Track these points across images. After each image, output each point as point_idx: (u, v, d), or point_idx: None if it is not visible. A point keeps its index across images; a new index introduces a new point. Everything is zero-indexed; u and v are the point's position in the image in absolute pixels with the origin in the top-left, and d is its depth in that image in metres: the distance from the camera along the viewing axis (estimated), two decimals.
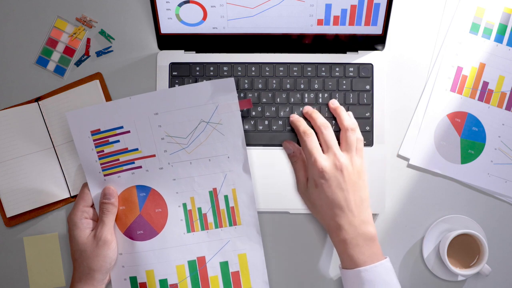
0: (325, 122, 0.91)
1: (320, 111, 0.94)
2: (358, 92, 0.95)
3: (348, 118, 0.91)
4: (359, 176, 0.87)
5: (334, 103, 0.93)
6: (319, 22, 0.92)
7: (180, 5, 0.91)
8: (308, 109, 0.93)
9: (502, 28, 0.96)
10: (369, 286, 0.83)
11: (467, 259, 0.91)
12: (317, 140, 0.89)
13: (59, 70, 0.97)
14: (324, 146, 0.89)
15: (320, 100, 0.95)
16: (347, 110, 0.94)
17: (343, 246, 0.86)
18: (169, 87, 0.95)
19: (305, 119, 0.93)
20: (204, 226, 0.91)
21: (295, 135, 0.94)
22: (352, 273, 0.85)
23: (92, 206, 0.90)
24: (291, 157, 0.92)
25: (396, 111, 0.96)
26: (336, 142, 0.89)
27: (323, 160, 0.87)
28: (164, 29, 0.94)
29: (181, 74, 0.95)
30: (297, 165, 0.91)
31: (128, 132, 0.90)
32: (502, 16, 0.96)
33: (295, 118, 0.93)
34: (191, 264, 0.90)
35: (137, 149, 0.90)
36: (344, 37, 0.94)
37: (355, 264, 0.85)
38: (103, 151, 0.90)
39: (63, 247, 0.95)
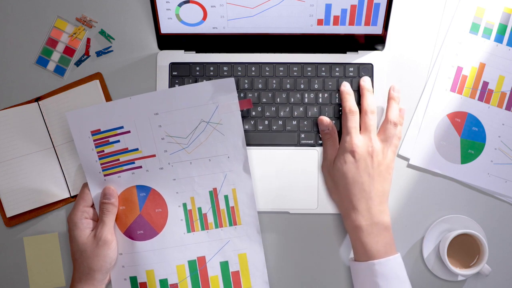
0: (374, 108, 0.90)
1: (320, 111, 0.94)
2: (358, 92, 0.95)
3: (396, 113, 0.91)
4: (387, 169, 0.88)
5: (394, 89, 0.92)
6: (319, 22, 0.92)
7: (180, 5, 0.91)
8: (367, 84, 0.92)
9: (502, 28, 0.96)
10: (382, 279, 0.83)
11: (467, 259, 0.91)
12: (358, 121, 0.89)
13: (59, 70, 0.97)
14: (363, 128, 0.89)
15: (320, 100, 0.95)
16: None
17: (357, 233, 0.86)
18: (169, 87, 0.95)
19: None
20: (204, 226, 0.91)
21: (294, 135, 0.94)
22: (364, 266, 0.85)
23: (92, 206, 0.90)
24: (324, 134, 0.92)
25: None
26: (376, 129, 0.89)
27: (358, 140, 0.87)
28: (164, 29, 0.94)
29: (181, 74, 0.95)
30: (329, 142, 0.91)
31: (128, 132, 0.90)
32: (502, 16, 0.96)
33: (347, 89, 0.92)
34: (191, 264, 0.90)
35: (137, 149, 0.90)
36: (344, 37, 0.94)
37: (367, 253, 0.85)
38: (103, 151, 0.90)
39: (63, 247, 0.95)
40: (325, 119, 0.92)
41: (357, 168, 0.86)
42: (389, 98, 0.92)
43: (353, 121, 0.89)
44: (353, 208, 0.86)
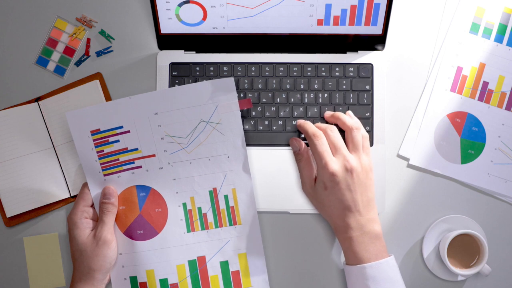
0: (329, 125, 0.91)
1: (320, 111, 0.94)
2: (358, 92, 0.95)
3: (349, 119, 0.91)
4: (367, 175, 0.88)
5: (327, 113, 0.93)
6: (319, 22, 0.92)
7: (180, 5, 0.91)
8: (306, 122, 0.93)
9: (502, 28, 0.96)
10: (372, 282, 0.83)
11: (467, 259, 0.91)
12: (327, 143, 0.89)
13: (59, 70, 0.97)
14: (333, 148, 0.89)
15: (320, 100, 0.95)
16: (347, 110, 0.94)
17: (349, 243, 0.86)
18: (169, 87, 0.95)
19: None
20: (204, 226, 0.91)
21: (294, 135, 0.94)
22: (356, 269, 0.85)
23: (92, 206, 0.90)
24: (296, 155, 0.92)
25: (396, 111, 0.96)
26: (343, 142, 0.89)
27: (333, 164, 0.87)
28: (164, 29, 0.94)
29: (181, 74, 0.95)
30: (302, 163, 0.91)
31: (128, 132, 0.90)
32: (502, 16, 0.96)
33: (302, 122, 0.92)
34: (191, 263, 0.90)
35: (137, 149, 0.90)
36: (344, 37, 0.94)
37: (359, 261, 0.85)
38: (103, 151, 0.90)
39: (63, 247, 0.95)
40: (296, 140, 0.92)
41: (339, 189, 0.86)
42: (331, 116, 0.92)
43: (321, 144, 0.88)
44: (342, 224, 0.87)
